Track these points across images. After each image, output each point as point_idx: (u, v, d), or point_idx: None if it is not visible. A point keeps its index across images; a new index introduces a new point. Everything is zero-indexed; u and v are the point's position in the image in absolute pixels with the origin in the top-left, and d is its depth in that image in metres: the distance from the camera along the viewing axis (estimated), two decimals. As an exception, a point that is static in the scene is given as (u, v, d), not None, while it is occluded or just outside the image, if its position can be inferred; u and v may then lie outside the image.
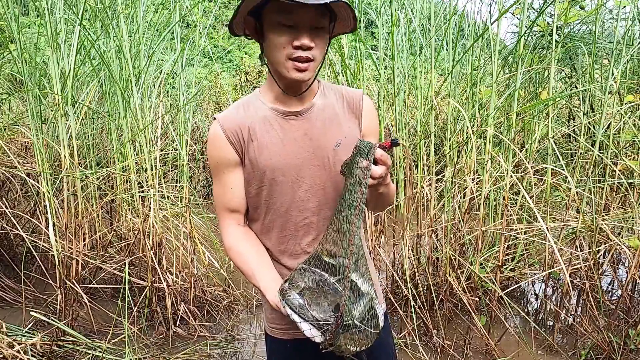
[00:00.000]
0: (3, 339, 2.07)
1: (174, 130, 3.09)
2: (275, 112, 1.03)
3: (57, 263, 2.31)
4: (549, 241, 2.03)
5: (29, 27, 3.41)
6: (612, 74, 2.34)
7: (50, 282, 2.51)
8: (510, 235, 2.41)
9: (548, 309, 2.69)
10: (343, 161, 1.06)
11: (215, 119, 1.04)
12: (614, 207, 2.72)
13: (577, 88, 2.88)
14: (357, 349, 0.88)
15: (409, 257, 2.48)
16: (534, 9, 2.69)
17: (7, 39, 2.66)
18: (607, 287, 3.00)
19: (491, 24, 2.36)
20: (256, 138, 1.01)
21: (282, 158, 1.01)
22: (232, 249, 1.06)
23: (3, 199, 2.94)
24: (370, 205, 1.09)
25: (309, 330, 0.88)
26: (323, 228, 1.06)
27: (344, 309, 0.85)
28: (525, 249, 2.72)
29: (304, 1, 0.83)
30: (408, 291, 2.37)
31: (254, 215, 1.10)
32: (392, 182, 1.08)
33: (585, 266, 2.38)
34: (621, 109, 2.50)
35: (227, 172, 1.04)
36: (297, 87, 1.01)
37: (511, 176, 2.20)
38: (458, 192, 2.51)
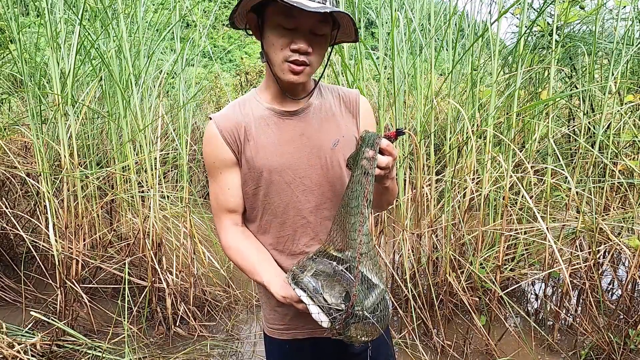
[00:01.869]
0: (3, 339, 2.07)
1: (174, 130, 3.09)
2: (271, 112, 1.02)
3: (57, 263, 2.31)
4: (549, 241, 2.03)
5: (29, 27, 3.41)
6: (612, 74, 2.34)
7: (50, 282, 2.51)
8: (510, 235, 2.41)
9: (548, 308, 2.69)
10: (340, 161, 1.05)
11: (210, 118, 1.03)
12: (614, 207, 2.72)
13: (577, 88, 2.88)
14: (368, 339, 0.88)
15: (409, 257, 2.48)
16: (534, 9, 2.69)
17: (7, 39, 2.66)
18: (607, 287, 3.00)
19: (491, 24, 2.36)
20: (252, 138, 1.01)
21: (279, 158, 1.01)
22: (231, 247, 1.05)
23: (3, 199, 2.95)
24: (374, 202, 1.07)
25: (317, 314, 0.87)
26: (321, 228, 1.06)
27: (355, 299, 0.84)
28: (525, 249, 2.72)
29: (304, 7, 0.82)
30: (408, 291, 2.37)
31: (251, 216, 1.09)
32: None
33: (585, 266, 2.38)
34: (621, 109, 2.50)
35: (224, 172, 1.04)
36: (294, 89, 1.01)
37: (511, 176, 2.20)
38: (458, 192, 2.51)
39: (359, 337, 0.86)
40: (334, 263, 0.93)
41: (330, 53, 1.01)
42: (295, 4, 0.82)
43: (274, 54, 0.93)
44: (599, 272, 2.48)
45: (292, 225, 1.05)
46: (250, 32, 0.99)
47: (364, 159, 0.86)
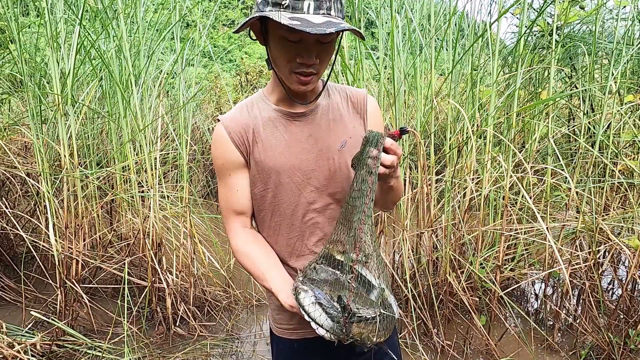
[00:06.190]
0: (3, 339, 2.07)
1: (174, 130, 3.09)
2: (279, 113, 1.02)
3: (57, 263, 2.31)
4: (549, 241, 2.03)
5: (29, 27, 3.41)
6: (612, 74, 2.34)
7: (50, 282, 2.51)
8: (510, 235, 2.41)
9: (548, 308, 2.69)
10: (348, 162, 1.05)
11: (219, 120, 1.03)
12: (614, 207, 2.72)
13: (577, 88, 2.88)
14: (378, 339, 0.88)
15: (409, 257, 2.48)
16: (534, 9, 2.69)
17: (7, 39, 2.66)
18: (607, 287, 3.00)
19: (491, 24, 2.37)
20: (261, 140, 1.01)
21: (288, 160, 1.01)
22: (240, 251, 1.05)
23: (3, 199, 2.94)
24: (380, 202, 1.08)
25: (325, 334, 0.88)
26: (329, 228, 1.06)
27: (349, 300, 0.85)
28: (525, 249, 2.72)
29: (309, 31, 0.80)
30: (408, 291, 2.37)
31: (260, 217, 1.09)
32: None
33: (585, 266, 2.38)
34: (621, 109, 2.50)
35: (233, 174, 1.04)
36: (303, 95, 1.01)
37: (511, 176, 2.20)
38: (458, 192, 2.51)
39: (369, 336, 0.86)
40: (338, 273, 0.93)
41: (337, 50, 1.00)
42: (298, 28, 0.80)
43: (281, 65, 0.93)
44: (599, 272, 2.48)
45: (301, 226, 1.05)
46: (254, 37, 0.99)
47: (369, 158, 0.87)
